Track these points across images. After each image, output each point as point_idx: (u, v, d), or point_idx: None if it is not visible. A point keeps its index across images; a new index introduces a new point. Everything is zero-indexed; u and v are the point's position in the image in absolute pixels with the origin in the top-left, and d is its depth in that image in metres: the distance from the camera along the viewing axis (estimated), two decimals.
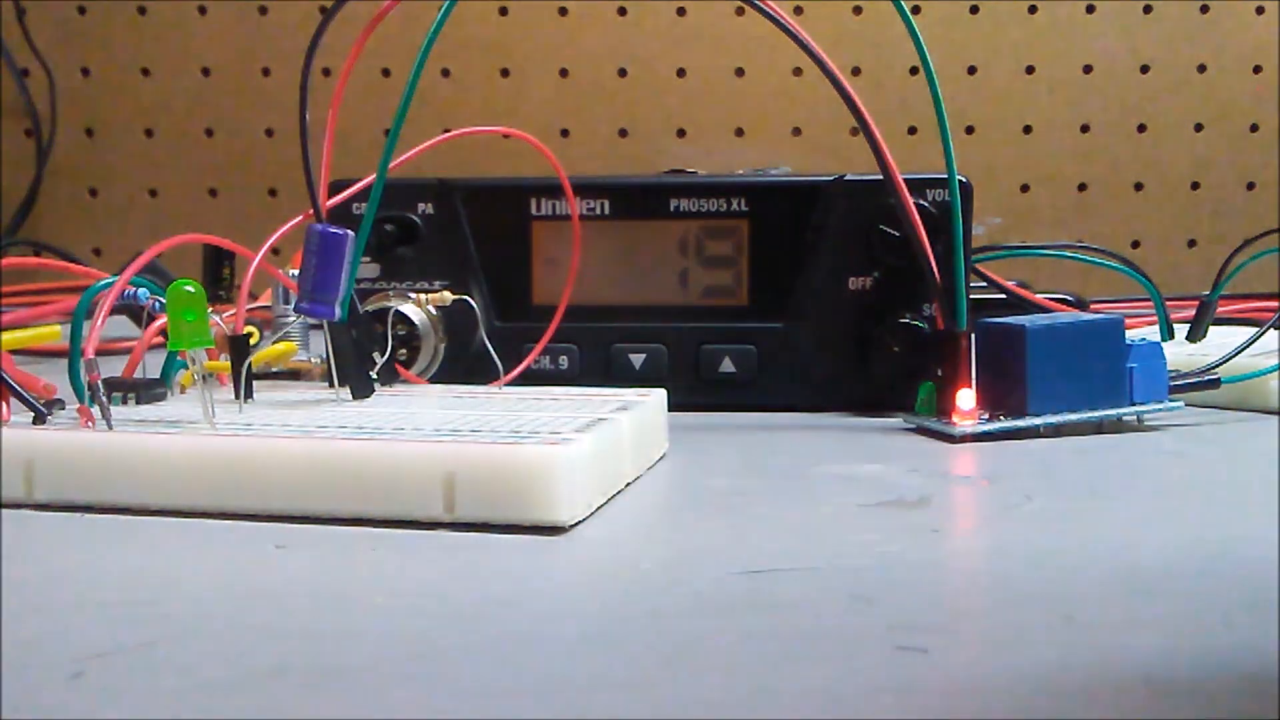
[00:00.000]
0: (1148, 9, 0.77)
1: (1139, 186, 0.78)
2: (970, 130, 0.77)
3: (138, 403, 0.29)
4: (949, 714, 0.14)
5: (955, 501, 0.26)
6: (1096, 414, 0.33)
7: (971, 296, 0.34)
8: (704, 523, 0.24)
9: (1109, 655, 0.16)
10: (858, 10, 0.77)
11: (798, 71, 0.77)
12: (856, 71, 0.76)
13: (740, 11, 0.76)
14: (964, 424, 0.32)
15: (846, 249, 0.37)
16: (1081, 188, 0.78)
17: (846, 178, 0.37)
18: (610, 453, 0.25)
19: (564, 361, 0.38)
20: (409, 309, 0.35)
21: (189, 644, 0.17)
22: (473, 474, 0.23)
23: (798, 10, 0.76)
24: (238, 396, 0.28)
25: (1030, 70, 0.77)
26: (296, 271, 0.30)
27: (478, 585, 0.20)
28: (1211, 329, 0.42)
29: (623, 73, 0.77)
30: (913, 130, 0.75)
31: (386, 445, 0.23)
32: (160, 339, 0.28)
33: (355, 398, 0.29)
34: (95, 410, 0.25)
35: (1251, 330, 0.37)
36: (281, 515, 0.23)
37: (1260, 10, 0.76)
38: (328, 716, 0.14)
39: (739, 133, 0.78)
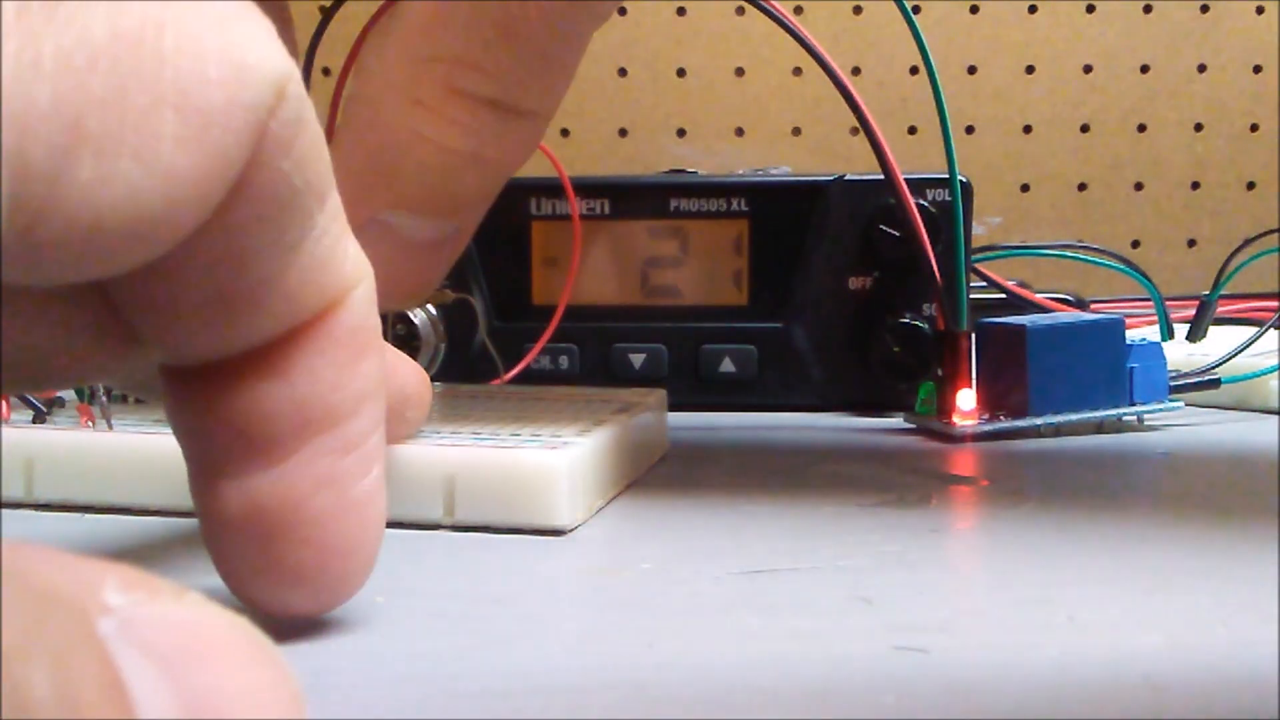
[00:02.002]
0: (1148, 9, 0.77)
1: (1139, 186, 0.78)
2: (970, 130, 0.77)
3: (138, 402, 0.29)
4: (949, 714, 0.14)
5: (955, 501, 0.26)
6: (1097, 414, 0.33)
7: (972, 296, 0.34)
8: (704, 523, 0.24)
9: (1109, 655, 0.16)
10: (858, 10, 0.77)
11: (798, 71, 0.76)
12: (857, 71, 0.76)
13: (740, 11, 0.76)
14: (964, 424, 0.32)
15: (847, 249, 0.37)
16: (1081, 187, 0.78)
17: (847, 177, 0.37)
18: (610, 455, 0.25)
19: (564, 361, 0.38)
20: (409, 309, 0.35)
21: None
22: (473, 479, 0.23)
23: (798, 10, 0.76)
24: None
25: (1030, 70, 0.77)
26: None
27: (478, 585, 0.20)
28: (1211, 329, 0.42)
29: (623, 72, 0.77)
30: (913, 130, 0.75)
31: (387, 448, 0.23)
32: None
33: None
34: (95, 409, 0.25)
35: (1252, 330, 0.37)
36: None
37: (1260, 10, 0.76)
38: (325, 717, 0.14)
39: (739, 132, 0.78)
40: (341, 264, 0.15)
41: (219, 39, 0.13)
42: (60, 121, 0.11)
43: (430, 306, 0.36)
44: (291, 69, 0.13)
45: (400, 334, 0.35)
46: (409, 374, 0.23)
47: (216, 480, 0.16)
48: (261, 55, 0.13)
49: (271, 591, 0.16)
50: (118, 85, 0.12)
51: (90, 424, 0.25)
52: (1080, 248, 0.45)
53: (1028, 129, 0.78)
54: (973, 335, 0.33)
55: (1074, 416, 0.33)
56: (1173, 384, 0.34)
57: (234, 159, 0.13)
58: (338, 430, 0.16)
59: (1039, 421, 0.32)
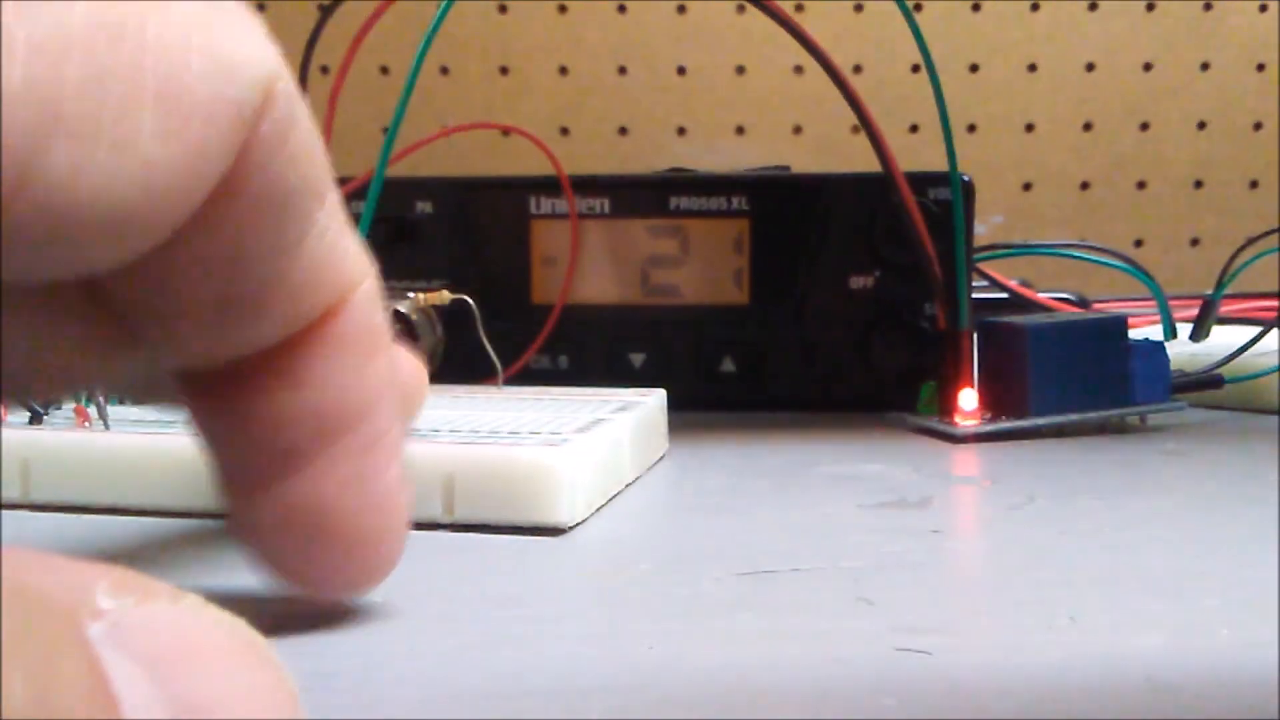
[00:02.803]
0: (1150, 7, 0.76)
1: (1141, 185, 0.78)
2: (972, 128, 0.77)
3: (134, 402, 0.29)
4: (950, 715, 0.14)
5: (957, 502, 0.26)
6: (1099, 414, 0.33)
7: (973, 296, 0.34)
8: (704, 523, 0.24)
9: (1109, 655, 0.16)
10: (859, 8, 0.77)
11: (799, 69, 0.76)
12: (858, 69, 0.76)
13: (741, 9, 0.75)
14: (966, 424, 0.32)
15: (848, 247, 0.37)
16: (1084, 186, 0.78)
17: (848, 176, 0.37)
18: (610, 453, 0.25)
19: (564, 361, 0.38)
20: (407, 308, 0.35)
21: None
22: (472, 476, 0.22)
23: (799, 8, 0.76)
24: None
25: (1032, 68, 0.77)
26: None
27: (477, 584, 0.20)
28: (1215, 328, 0.42)
29: (623, 70, 0.77)
30: (914, 128, 0.75)
31: None
32: None
33: None
34: (92, 410, 0.25)
35: (1255, 329, 0.37)
36: None
37: (1263, 8, 0.76)
38: (325, 718, 0.14)
39: (740, 130, 0.78)
40: (343, 261, 0.15)
41: (204, 34, 0.12)
42: (33, 103, 0.11)
43: (429, 306, 0.36)
44: (281, 67, 0.13)
45: (398, 334, 0.35)
46: (404, 363, 0.23)
47: (246, 489, 0.16)
48: (249, 52, 0.13)
49: (307, 581, 0.17)
50: (95, 73, 0.11)
51: (87, 424, 0.25)
52: (1082, 247, 0.45)
53: (1030, 127, 0.78)
54: (974, 335, 0.33)
55: (1076, 416, 0.33)
56: (1175, 384, 0.34)
57: (216, 155, 0.13)
58: (357, 432, 0.16)
59: (1041, 421, 0.32)
